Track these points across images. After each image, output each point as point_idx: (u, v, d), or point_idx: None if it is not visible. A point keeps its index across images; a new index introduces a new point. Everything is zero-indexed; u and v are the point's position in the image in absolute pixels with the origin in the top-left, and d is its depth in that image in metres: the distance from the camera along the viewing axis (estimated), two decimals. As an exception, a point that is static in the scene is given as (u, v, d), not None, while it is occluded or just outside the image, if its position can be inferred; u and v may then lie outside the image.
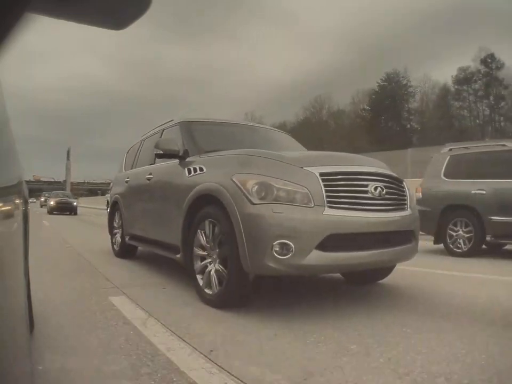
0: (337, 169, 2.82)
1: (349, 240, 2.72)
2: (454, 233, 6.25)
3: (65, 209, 22.94)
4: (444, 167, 6.57)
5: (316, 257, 2.55)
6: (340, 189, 2.74)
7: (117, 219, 5.54)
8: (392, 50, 67.73)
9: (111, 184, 6.40)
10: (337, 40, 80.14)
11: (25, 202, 1.65)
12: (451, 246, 6.28)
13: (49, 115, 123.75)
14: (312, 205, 2.62)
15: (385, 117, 41.68)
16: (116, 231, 5.60)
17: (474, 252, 6.00)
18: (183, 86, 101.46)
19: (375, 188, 2.86)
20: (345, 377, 1.74)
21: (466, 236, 6.11)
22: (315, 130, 42.61)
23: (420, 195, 6.79)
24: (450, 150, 6.78)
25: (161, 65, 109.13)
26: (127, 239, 5.04)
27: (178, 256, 3.42)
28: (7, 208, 0.73)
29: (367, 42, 68.95)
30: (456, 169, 6.42)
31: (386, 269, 3.59)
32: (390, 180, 3.07)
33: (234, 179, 2.76)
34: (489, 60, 43.12)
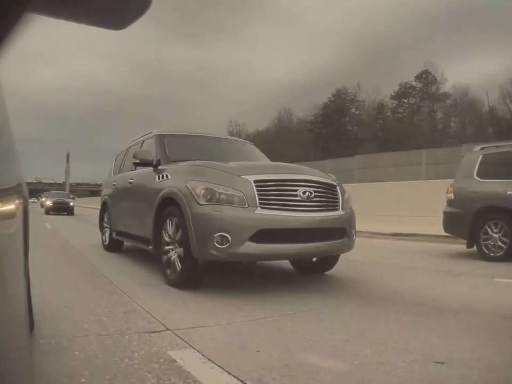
0: (270, 177, 3.64)
1: (277, 234, 3.50)
2: (488, 237, 6.18)
3: (61, 209, 23.53)
4: (476, 167, 6.48)
5: (249, 247, 3.38)
6: (270, 193, 3.56)
7: (106, 217, 6.59)
8: (394, 51, 67.87)
9: (102, 186, 7.44)
10: (340, 41, 79.75)
11: (25, 203, 1.70)
12: (485, 249, 6.21)
13: (51, 115, 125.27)
14: (246, 206, 3.46)
15: (331, 129, 48.98)
16: (105, 228, 6.65)
17: (509, 255, 5.92)
18: (185, 86, 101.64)
19: (304, 192, 3.64)
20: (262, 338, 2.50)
21: (501, 239, 6.05)
22: (273, 141, 49.15)
23: (452, 196, 6.72)
24: (482, 149, 6.69)
25: (162, 65, 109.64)
26: (114, 234, 6.04)
27: (150, 247, 4.37)
28: (7, 208, 0.77)
29: (369, 42, 68.77)
30: (490, 169, 6.32)
31: (330, 262, 4.47)
32: (320, 185, 3.85)
33: (187, 185, 3.64)
34: (424, 76, 49.73)
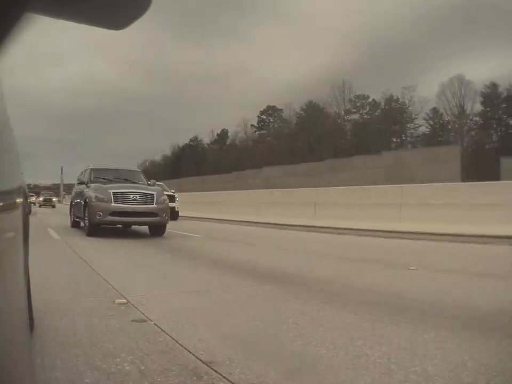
0: (119, 190, 8.73)
1: (121, 213, 8.57)
2: None
3: None
4: None
5: (109, 217, 8.57)
6: (118, 196, 8.62)
7: (72, 209, 11.69)
8: (395, 51, 69.20)
9: (72, 192, 12.77)
10: (340, 40, 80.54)
11: (25, 203, 1.68)
12: None
13: (52, 115, 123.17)
14: (109, 202, 8.52)
15: (186, 164, 66.89)
16: (71, 214, 11.81)
17: None
18: (185, 86, 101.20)
19: (133, 196, 8.71)
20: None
21: None
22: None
23: None
24: None
25: (162, 65, 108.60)
26: (74, 218, 11.29)
27: (82, 223, 9.90)
28: (8, 209, 0.75)
29: (369, 42, 69.61)
30: None
31: (159, 230, 9.30)
32: (142, 193, 8.87)
33: (90, 194, 8.83)
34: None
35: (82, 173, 11.06)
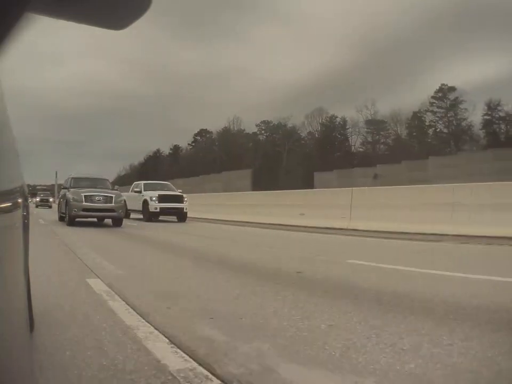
0: (88, 193, 12.67)
1: (89, 209, 12.46)
2: None
3: None
4: None
5: (82, 212, 12.45)
6: (88, 197, 12.47)
7: (58, 207, 14.96)
8: (395, 52, 69.87)
9: (60, 194, 15.81)
10: (340, 41, 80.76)
11: (26, 203, 1.68)
12: None
13: (52, 115, 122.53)
14: (81, 202, 12.39)
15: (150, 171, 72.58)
16: (58, 211, 14.84)
17: None
18: (191, 87, 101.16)
19: (97, 198, 12.59)
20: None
21: None
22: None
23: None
24: None
25: (162, 65, 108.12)
26: (60, 214, 14.35)
27: (65, 218, 13.28)
28: (8, 208, 0.75)
29: (369, 43, 70.14)
30: None
31: (117, 222, 13.08)
32: (105, 195, 12.79)
33: (69, 196, 12.59)
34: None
35: (66, 180, 14.83)
